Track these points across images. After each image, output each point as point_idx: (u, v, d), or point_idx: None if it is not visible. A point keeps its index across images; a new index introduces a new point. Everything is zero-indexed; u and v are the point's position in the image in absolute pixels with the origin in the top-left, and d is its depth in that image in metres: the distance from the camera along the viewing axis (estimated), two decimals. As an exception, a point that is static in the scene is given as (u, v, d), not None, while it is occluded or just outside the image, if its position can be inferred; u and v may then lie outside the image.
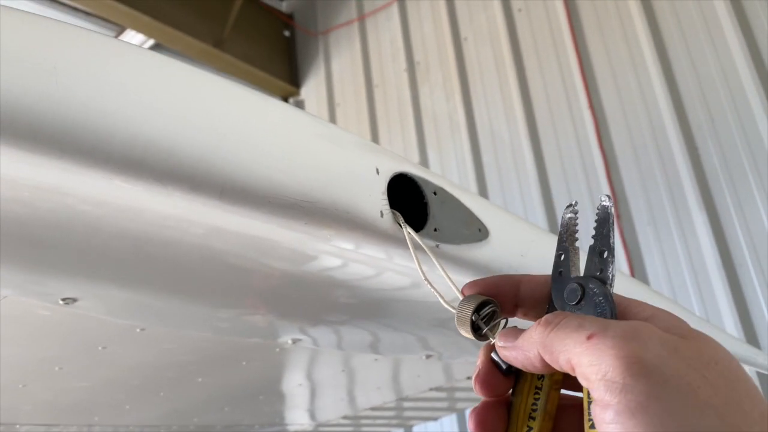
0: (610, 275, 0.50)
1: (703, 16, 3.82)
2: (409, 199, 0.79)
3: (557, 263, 0.53)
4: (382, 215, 0.70)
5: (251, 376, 1.37)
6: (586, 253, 0.54)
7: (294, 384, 1.53)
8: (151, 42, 5.72)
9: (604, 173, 4.05)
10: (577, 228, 0.55)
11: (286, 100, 5.95)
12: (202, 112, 0.59)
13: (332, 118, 5.64)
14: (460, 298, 0.63)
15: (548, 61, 4.45)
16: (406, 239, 0.72)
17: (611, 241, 0.51)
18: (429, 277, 0.81)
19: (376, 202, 0.70)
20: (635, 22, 4.07)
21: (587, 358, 0.40)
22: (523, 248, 0.88)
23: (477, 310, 0.57)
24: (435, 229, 0.76)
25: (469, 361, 1.58)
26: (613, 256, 0.51)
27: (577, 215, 0.56)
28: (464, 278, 0.85)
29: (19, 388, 1.21)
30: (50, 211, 0.66)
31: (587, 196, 4.12)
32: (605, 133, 4.12)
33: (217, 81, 0.64)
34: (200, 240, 0.73)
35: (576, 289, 0.50)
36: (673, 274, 3.70)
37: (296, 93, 5.92)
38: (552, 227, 4.20)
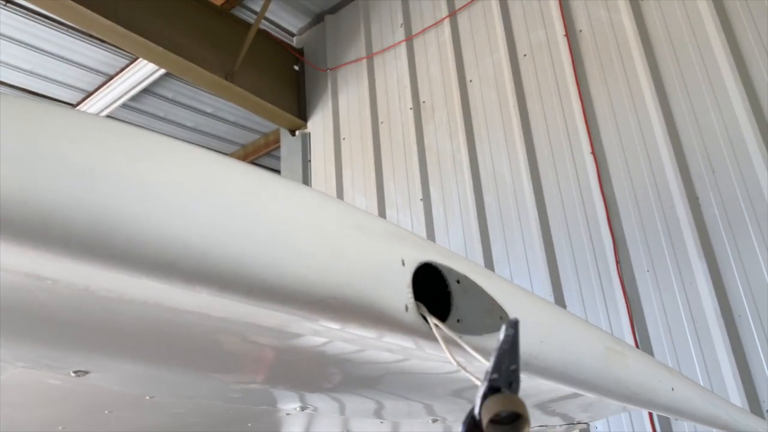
0: None
1: (704, 66, 3.88)
2: (432, 283, 0.79)
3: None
4: (407, 309, 0.69)
5: (255, 436, 1.35)
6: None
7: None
8: (161, 71, 5.78)
9: (605, 217, 4.06)
10: None
11: (293, 132, 5.99)
12: (235, 213, 0.59)
13: (338, 152, 5.67)
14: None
15: (551, 105, 4.50)
16: (430, 330, 0.71)
17: None
18: (439, 357, 0.80)
19: (401, 296, 0.69)
20: (638, 70, 4.13)
21: None
22: (543, 334, 0.87)
23: None
24: (458, 320, 0.75)
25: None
26: None
27: None
28: (486, 366, 0.84)
29: (18, 445, 1.18)
30: (72, 297, 0.65)
31: (587, 239, 4.12)
32: (606, 178, 4.14)
33: (249, 174, 0.64)
34: (219, 324, 0.72)
35: None
36: (671, 322, 3.68)
37: (303, 126, 5.96)
38: (551, 268, 4.19)
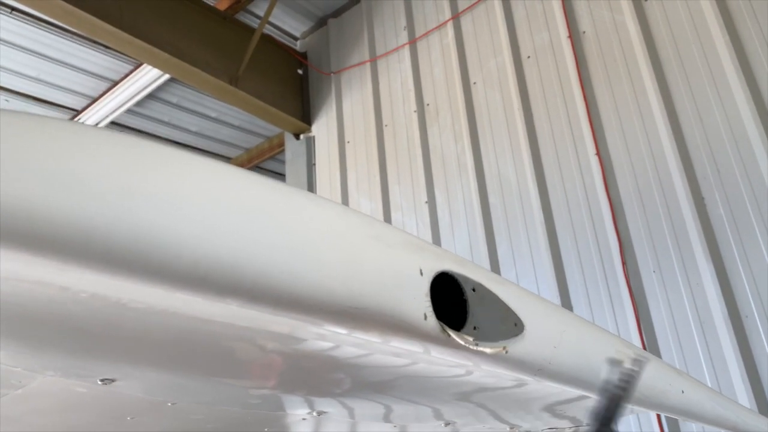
0: None
1: (708, 65, 3.89)
2: (448, 291, 0.81)
3: None
4: (425, 318, 0.72)
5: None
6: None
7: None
8: (166, 77, 5.82)
9: (610, 219, 4.07)
10: None
11: (297, 136, 6.01)
12: (262, 228, 0.61)
13: (342, 156, 5.69)
14: None
15: (556, 107, 4.52)
16: (448, 338, 0.73)
17: None
18: (465, 368, 0.82)
19: (419, 305, 0.72)
20: (642, 71, 4.14)
21: None
22: (556, 339, 0.89)
23: None
24: (474, 328, 0.77)
25: (488, 428, 1.58)
26: None
27: None
28: (501, 371, 0.86)
29: (40, 451, 1.21)
30: (103, 309, 0.67)
31: (593, 240, 4.13)
32: (611, 179, 4.15)
33: (274, 189, 0.66)
34: (246, 334, 0.74)
35: None
36: (678, 322, 3.69)
37: (307, 129, 5.98)
38: (557, 270, 4.21)
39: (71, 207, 0.52)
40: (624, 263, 3.95)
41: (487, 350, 0.70)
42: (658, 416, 3.58)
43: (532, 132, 4.58)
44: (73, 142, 0.54)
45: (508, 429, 1.62)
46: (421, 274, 0.73)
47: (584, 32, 4.53)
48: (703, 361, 3.53)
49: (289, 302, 0.63)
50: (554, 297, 4.14)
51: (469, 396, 1.15)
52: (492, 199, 4.68)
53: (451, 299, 0.80)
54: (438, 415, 1.25)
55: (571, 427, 1.82)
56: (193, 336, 0.73)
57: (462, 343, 0.71)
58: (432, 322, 0.72)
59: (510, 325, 0.83)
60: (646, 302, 3.82)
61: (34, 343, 0.74)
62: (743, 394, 3.30)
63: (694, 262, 3.68)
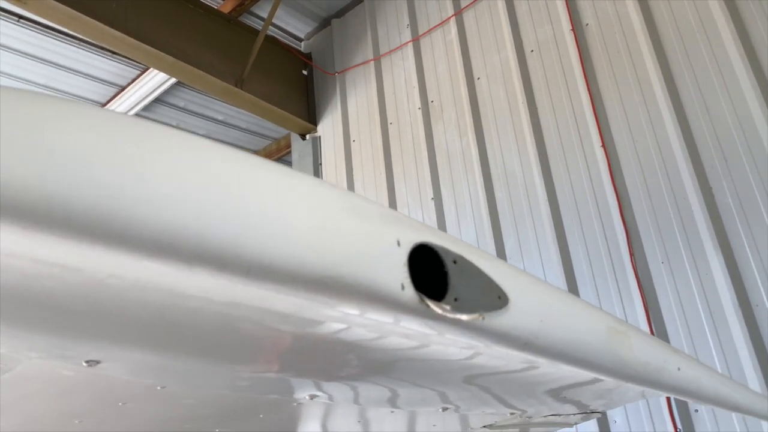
0: None
1: (713, 54, 3.85)
2: (429, 264, 0.80)
3: None
4: (403, 288, 0.71)
5: (268, 427, 1.37)
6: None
7: (309, 435, 1.53)
8: (173, 80, 5.86)
9: (617, 210, 4.05)
10: None
11: (303, 136, 6.03)
12: (229, 195, 0.61)
13: (348, 154, 5.70)
14: None
15: (560, 100, 4.49)
16: (427, 308, 0.73)
17: None
18: (445, 340, 0.81)
19: (397, 275, 0.71)
20: (646, 61, 4.11)
21: None
22: (543, 313, 0.88)
23: None
24: (455, 299, 0.77)
25: (486, 412, 1.57)
26: None
27: None
28: (484, 346, 0.85)
29: (37, 440, 1.21)
30: (78, 284, 0.67)
31: (600, 232, 4.10)
32: (617, 171, 4.12)
33: (242, 158, 0.66)
34: (223, 309, 0.74)
35: None
36: (688, 313, 3.65)
37: (313, 129, 6.00)
38: (564, 263, 4.18)
39: (30, 173, 0.52)
40: (632, 254, 3.92)
41: (464, 317, 0.69)
42: (669, 408, 3.54)
43: (537, 126, 4.57)
44: (32, 111, 0.54)
45: (509, 414, 1.61)
46: (399, 245, 0.73)
47: (587, 24, 4.50)
48: (713, 351, 3.49)
49: (259, 271, 0.62)
50: (562, 288, 4.11)
51: (462, 376, 1.14)
52: (498, 194, 4.67)
53: (432, 273, 0.79)
54: (431, 397, 1.24)
55: (576, 413, 1.81)
56: (170, 312, 0.73)
57: (440, 312, 0.70)
58: (410, 292, 0.71)
59: (493, 297, 0.82)
60: (654, 293, 3.79)
61: (12, 322, 0.74)
62: (755, 383, 3.26)
63: (703, 252, 3.65)
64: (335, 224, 0.68)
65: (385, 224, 0.74)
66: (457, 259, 0.80)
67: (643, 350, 1.01)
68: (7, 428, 1.13)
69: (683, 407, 3.54)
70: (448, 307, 0.72)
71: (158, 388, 0.98)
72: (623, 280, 3.92)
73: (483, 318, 0.69)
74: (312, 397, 1.11)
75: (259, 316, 0.74)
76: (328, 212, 0.69)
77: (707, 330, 3.55)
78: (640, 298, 3.80)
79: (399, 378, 1.03)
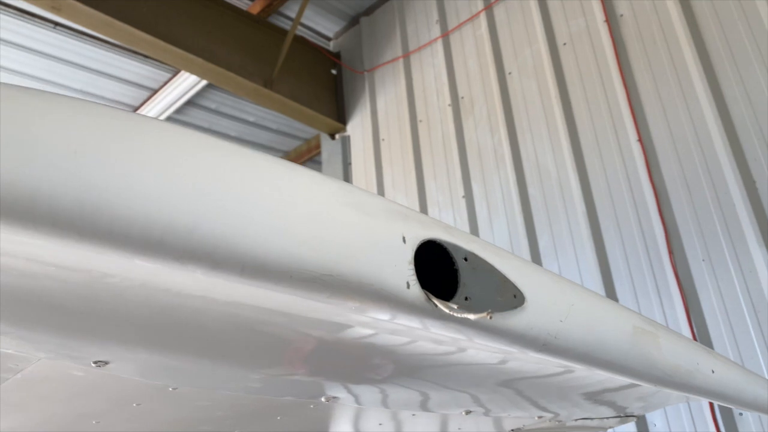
0: None
1: (755, 42, 3.69)
2: (439, 262, 0.76)
3: None
4: (408, 286, 0.67)
5: (286, 429, 1.35)
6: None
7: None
8: (204, 83, 5.94)
9: (655, 207, 3.91)
10: None
11: (333, 136, 6.04)
12: (221, 190, 0.58)
13: (377, 153, 5.68)
14: None
15: (594, 94, 4.38)
16: (435, 308, 0.69)
17: None
18: (455, 340, 0.78)
19: (402, 273, 0.67)
20: (684, 51, 3.96)
21: None
22: (563, 312, 0.84)
23: None
24: (466, 298, 0.73)
25: (513, 416, 1.52)
26: None
27: None
28: (499, 347, 0.81)
29: (58, 440, 1.22)
30: (77, 284, 0.66)
31: (637, 229, 3.98)
32: (655, 165, 3.99)
33: (237, 152, 0.63)
34: (225, 308, 0.72)
35: None
36: (731, 313, 3.50)
37: (342, 129, 5.99)
38: (601, 262, 4.07)
39: (15, 168, 0.50)
40: (671, 252, 3.79)
41: (472, 317, 0.66)
42: (712, 412, 3.41)
43: (571, 120, 4.46)
44: (17, 105, 0.52)
45: (537, 417, 1.55)
46: (404, 241, 0.69)
47: (622, 15, 4.38)
48: (759, 352, 3.34)
49: (255, 269, 0.60)
50: (599, 288, 4.00)
51: (484, 378, 1.10)
52: (531, 191, 4.57)
53: (442, 271, 0.76)
54: (452, 400, 1.20)
55: (611, 416, 1.74)
56: (170, 311, 0.71)
57: (448, 312, 0.67)
58: (415, 290, 0.68)
59: (508, 296, 0.78)
60: (695, 292, 3.65)
61: (18, 323, 0.74)
62: (803, 386, 3.10)
63: (746, 249, 3.50)
64: (336, 220, 0.65)
65: (389, 220, 0.70)
66: (469, 256, 0.76)
67: (672, 351, 0.96)
68: (27, 427, 1.14)
69: (727, 410, 3.40)
70: (455, 307, 0.68)
71: (170, 389, 0.97)
72: (662, 279, 3.79)
73: (491, 317, 0.65)
74: (328, 399, 1.09)
75: (259, 315, 0.71)
76: (328, 207, 0.66)
77: (752, 331, 3.40)
78: (680, 298, 3.67)
79: (409, 377, 1.00)
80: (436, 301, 0.68)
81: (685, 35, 3.98)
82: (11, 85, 0.55)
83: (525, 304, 0.78)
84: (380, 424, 1.43)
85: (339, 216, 0.66)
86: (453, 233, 0.78)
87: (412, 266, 0.69)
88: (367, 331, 0.77)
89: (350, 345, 0.82)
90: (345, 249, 0.64)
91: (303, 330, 0.79)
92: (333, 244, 0.63)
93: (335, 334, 0.77)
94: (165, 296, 0.68)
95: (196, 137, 0.61)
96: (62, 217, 0.52)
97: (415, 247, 0.70)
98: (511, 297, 0.78)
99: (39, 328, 0.75)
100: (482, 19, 5.16)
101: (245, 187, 0.60)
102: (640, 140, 4.07)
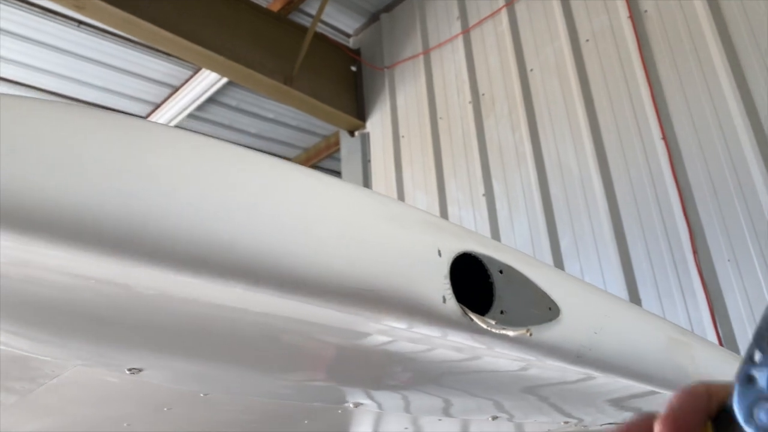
0: None
1: (786, 40, 3.62)
2: (474, 274, 0.76)
3: (748, 363, 0.39)
4: (444, 301, 0.67)
5: (313, 433, 1.35)
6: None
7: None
8: (225, 80, 5.97)
9: (679, 205, 3.86)
10: None
11: (352, 133, 6.04)
12: (261, 206, 0.58)
13: (397, 151, 5.66)
14: None
15: (618, 91, 4.32)
16: (471, 322, 0.69)
17: None
18: (493, 352, 0.77)
19: (438, 287, 0.67)
20: (710, 48, 3.89)
21: None
22: (597, 324, 0.83)
23: None
24: (501, 312, 0.72)
25: (539, 421, 1.51)
26: None
27: None
28: (534, 360, 0.80)
29: (89, 441, 1.24)
30: (115, 296, 0.67)
31: (661, 229, 3.93)
32: (679, 164, 3.93)
33: (275, 166, 0.63)
34: (261, 319, 0.72)
35: None
36: (757, 313, 3.45)
37: (362, 126, 5.99)
38: (623, 262, 4.03)
39: (60, 186, 0.51)
40: (695, 252, 3.73)
41: (510, 333, 0.65)
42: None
43: (594, 118, 4.41)
44: (60, 123, 0.53)
45: (563, 422, 1.54)
46: (440, 255, 0.69)
47: (646, 11, 4.31)
48: (786, 354, 3.28)
49: (294, 284, 0.60)
50: (621, 290, 3.96)
51: (513, 387, 1.09)
52: (553, 190, 4.53)
53: (477, 283, 0.75)
54: (480, 407, 1.19)
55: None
56: (207, 322, 0.71)
57: (485, 327, 0.66)
58: (452, 305, 0.67)
59: (543, 309, 0.77)
60: (720, 294, 3.59)
61: (56, 332, 0.75)
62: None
63: (774, 249, 3.43)
64: (374, 234, 0.65)
65: (424, 233, 0.70)
66: (504, 269, 0.75)
67: (707, 362, 0.94)
68: (60, 429, 1.16)
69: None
70: (493, 322, 0.67)
71: (201, 395, 0.97)
72: (686, 279, 3.74)
73: (530, 333, 0.64)
74: (356, 405, 1.09)
75: (296, 327, 0.71)
76: (366, 221, 0.66)
77: (778, 332, 3.34)
78: (705, 299, 3.62)
79: (444, 388, 0.99)
80: (473, 316, 0.67)
81: (712, 31, 3.91)
82: (58, 102, 0.56)
83: (560, 316, 0.78)
84: (405, 428, 1.43)
85: (375, 230, 0.65)
86: (487, 244, 0.77)
87: (447, 280, 0.68)
88: (402, 344, 0.77)
89: (382, 355, 0.82)
90: (382, 264, 0.63)
91: (337, 341, 0.79)
92: (372, 259, 0.62)
93: (369, 345, 0.77)
94: (203, 309, 0.68)
95: (237, 152, 0.62)
96: (107, 234, 0.52)
97: (450, 261, 0.69)
98: (547, 309, 0.77)
99: (78, 337, 0.76)
100: (503, 16, 5.11)
101: (285, 203, 0.60)
102: (664, 138, 4.01)
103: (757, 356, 0.38)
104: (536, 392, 1.15)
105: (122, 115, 0.58)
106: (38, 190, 0.50)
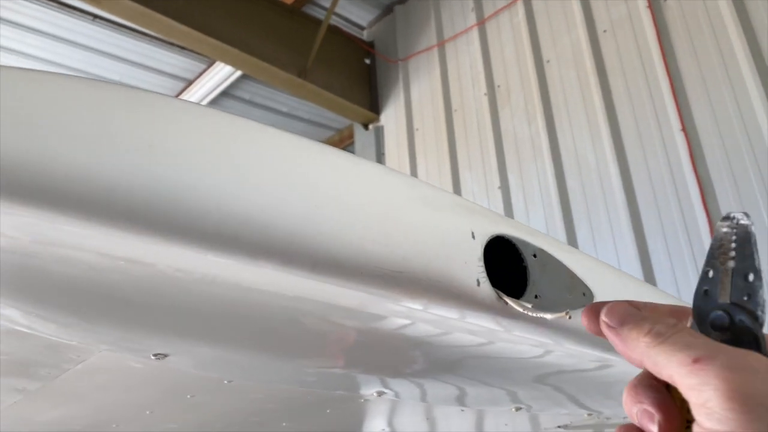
0: (761, 303, 0.43)
1: (810, 29, 3.55)
2: (507, 257, 0.74)
3: (703, 280, 0.46)
4: (478, 284, 0.65)
5: (335, 423, 1.34)
6: (698, 276, 0.48)
7: (377, 430, 1.50)
8: (238, 74, 5.97)
9: (699, 198, 3.81)
10: (733, 245, 0.46)
11: (366, 126, 6.02)
12: (295, 185, 0.57)
13: (411, 143, 5.64)
14: None
15: (636, 82, 4.26)
16: (505, 306, 0.67)
17: (757, 263, 0.44)
18: (517, 338, 0.75)
19: (472, 270, 0.65)
20: (731, 37, 3.83)
21: (689, 381, 0.39)
22: (631, 311, 0.81)
23: None
24: (536, 296, 0.71)
25: (561, 413, 1.49)
26: (760, 279, 0.44)
27: (745, 228, 0.46)
28: (567, 345, 0.79)
29: (112, 428, 1.24)
30: (143, 278, 0.65)
31: (680, 222, 3.88)
32: (699, 156, 3.87)
33: (308, 147, 0.62)
34: (290, 303, 0.70)
35: (722, 317, 0.44)
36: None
37: (376, 119, 5.97)
38: (642, 256, 3.98)
39: (93, 163, 0.50)
40: (715, 245, 3.68)
41: (548, 316, 0.63)
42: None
43: (611, 109, 4.36)
44: (90, 99, 0.52)
45: (586, 414, 1.52)
46: (473, 237, 0.67)
47: (666, 1, 4.25)
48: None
49: (326, 266, 0.58)
50: (638, 282, 3.92)
51: (538, 376, 1.08)
52: (570, 182, 4.49)
53: (510, 267, 0.73)
54: (503, 397, 1.18)
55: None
56: (235, 306, 0.70)
57: (520, 311, 0.65)
58: (486, 288, 0.66)
59: (578, 294, 0.75)
60: (741, 286, 3.54)
61: (85, 315, 0.74)
62: None
63: (797, 242, 3.38)
64: (406, 215, 0.64)
65: (457, 215, 0.68)
66: (538, 253, 0.73)
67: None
68: (83, 415, 1.16)
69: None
70: (529, 305, 0.66)
71: (225, 382, 0.97)
72: (706, 272, 3.69)
73: (570, 317, 0.62)
74: (380, 393, 1.08)
75: (326, 311, 0.70)
76: (398, 202, 0.64)
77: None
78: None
79: (470, 377, 0.98)
80: (508, 300, 0.66)
81: (733, 19, 3.84)
82: (87, 79, 0.55)
83: (594, 301, 0.75)
84: (427, 419, 1.42)
85: (408, 211, 0.64)
86: (520, 228, 0.75)
87: (482, 263, 0.66)
88: (432, 329, 0.75)
89: (411, 342, 0.80)
90: (415, 245, 0.62)
91: (367, 326, 0.77)
92: (404, 241, 0.61)
93: (399, 331, 0.75)
94: (231, 291, 0.67)
95: (268, 132, 0.60)
96: (138, 212, 0.51)
97: (484, 243, 0.68)
98: (580, 295, 0.76)
99: (104, 321, 0.75)
100: (519, 6, 5.06)
101: (316, 183, 0.59)
102: (683, 129, 3.96)
103: (711, 273, 0.45)
104: (558, 381, 1.14)
105: (151, 92, 0.57)
106: (67, 165, 0.49)
